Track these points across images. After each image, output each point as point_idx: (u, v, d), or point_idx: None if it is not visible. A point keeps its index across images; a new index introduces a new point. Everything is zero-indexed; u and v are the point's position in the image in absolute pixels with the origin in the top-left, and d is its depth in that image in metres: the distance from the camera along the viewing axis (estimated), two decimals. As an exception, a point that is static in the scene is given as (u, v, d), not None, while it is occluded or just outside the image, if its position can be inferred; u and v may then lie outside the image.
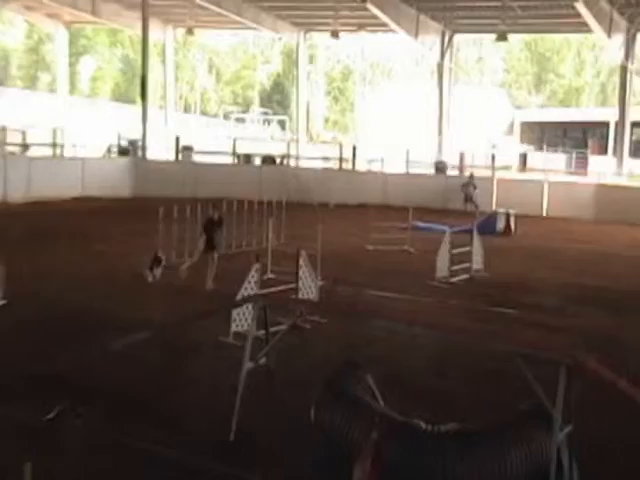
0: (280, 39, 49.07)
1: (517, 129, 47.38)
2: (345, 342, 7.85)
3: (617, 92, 34.60)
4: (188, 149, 27.63)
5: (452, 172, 27.11)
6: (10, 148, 25.85)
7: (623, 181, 28.55)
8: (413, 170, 26.45)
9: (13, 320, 8.41)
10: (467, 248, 12.43)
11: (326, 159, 29.47)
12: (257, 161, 28.43)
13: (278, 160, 28.56)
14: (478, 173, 24.44)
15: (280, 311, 7.05)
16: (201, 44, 57.82)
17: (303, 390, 5.83)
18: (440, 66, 34.77)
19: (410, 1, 30.87)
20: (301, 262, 9.12)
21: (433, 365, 7.45)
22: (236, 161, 27.45)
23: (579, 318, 9.80)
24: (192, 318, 7.72)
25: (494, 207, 21.58)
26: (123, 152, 27.34)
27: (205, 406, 6.14)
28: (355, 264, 13.13)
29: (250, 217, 13.71)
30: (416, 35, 32.11)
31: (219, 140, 34.12)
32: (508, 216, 18.93)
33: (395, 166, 27.03)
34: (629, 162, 32.47)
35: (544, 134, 46.71)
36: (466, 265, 12.35)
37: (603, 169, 29.91)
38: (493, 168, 25.70)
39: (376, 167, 27.86)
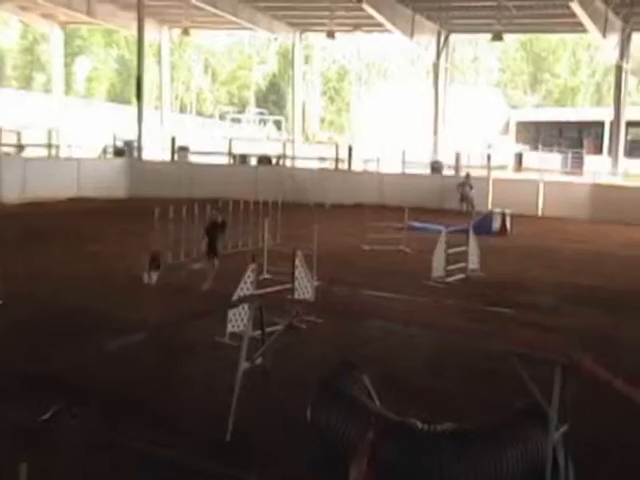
0: (276, 39, 49.06)
1: (513, 129, 47.51)
2: (341, 342, 7.85)
3: (612, 92, 34.69)
4: (184, 149, 27.63)
5: (448, 172, 27.14)
6: (5, 149, 25.78)
7: (618, 181, 28.64)
8: (409, 170, 26.48)
9: (8, 320, 8.39)
10: (463, 248, 12.45)
11: (322, 159, 29.49)
12: (253, 161, 28.43)
13: (274, 160, 28.57)
14: (474, 173, 24.50)
15: (276, 311, 7.04)
16: (197, 44, 57.82)
17: (299, 390, 5.83)
18: (436, 66, 34.83)
19: (406, 1, 30.90)
20: (297, 262, 9.12)
21: (429, 365, 7.45)
22: (232, 161, 27.45)
23: (574, 317, 9.82)
24: (188, 318, 7.72)
25: (490, 207, 21.62)
26: (119, 153, 27.32)
27: (201, 406, 6.14)
28: (351, 264, 13.13)
29: (246, 217, 13.71)
30: (412, 35, 32.15)
31: (215, 140, 34.10)
32: (504, 216, 18.96)
33: (391, 166, 27.06)
34: (624, 162, 32.58)
35: (539, 134, 46.83)
36: (462, 265, 12.36)
37: (598, 169, 29.99)
38: (489, 168, 25.74)
39: (372, 167, 27.88)
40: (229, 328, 7.93)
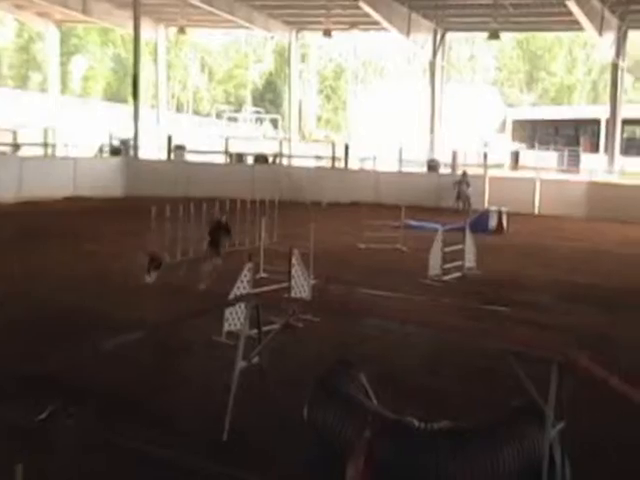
0: (272, 38, 49.05)
1: (509, 127, 47.54)
2: (338, 341, 7.86)
3: (608, 90, 34.74)
4: (180, 148, 27.59)
5: (444, 170, 27.14)
6: (1, 148, 25.77)
7: (614, 179, 28.66)
8: (405, 168, 26.47)
9: (4, 320, 8.37)
10: (459, 246, 12.45)
11: (318, 158, 29.46)
12: (249, 160, 28.40)
13: (270, 159, 28.54)
14: (470, 171, 24.49)
15: (273, 310, 7.05)
16: (193, 43, 57.74)
17: (296, 389, 5.83)
18: (432, 64, 34.82)
19: (402, -1, 30.92)
20: (294, 261, 9.11)
21: (426, 363, 7.46)
22: (228, 160, 27.43)
23: (571, 316, 9.83)
24: (184, 317, 7.71)
25: (486, 205, 21.62)
26: (115, 152, 27.27)
27: (198, 405, 6.13)
28: (348, 263, 13.13)
29: (242, 216, 13.68)
30: (408, 33, 32.14)
31: (211, 139, 34.08)
32: (500, 214, 18.97)
33: (387, 164, 27.06)
34: (620, 160, 32.60)
35: (536, 132, 46.89)
36: (458, 263, 12.37)
37: (595, 167, 30.03)
38: (485, 166, 25.75)
39: (368, 165, 27.87)
40: (226, 327, 7.93)
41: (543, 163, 32.80)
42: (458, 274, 12.26)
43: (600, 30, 29.63)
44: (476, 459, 4.63)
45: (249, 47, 60.98)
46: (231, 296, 7.90)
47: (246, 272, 8.27)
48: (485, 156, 26.68)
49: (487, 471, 4.61)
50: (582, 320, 9.54)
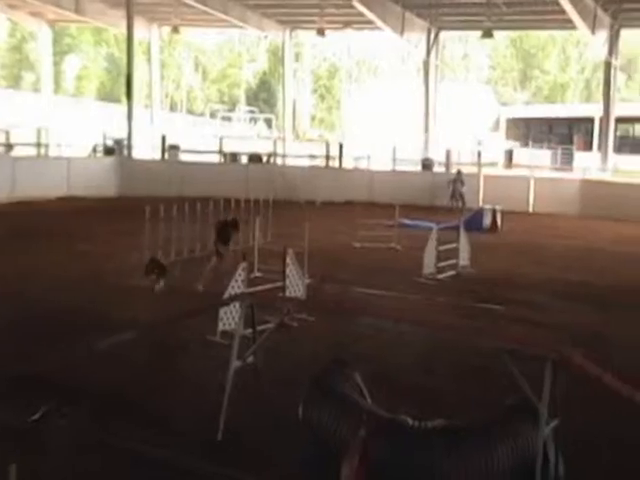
0: (266, 37, 48.95)
1: (503, 125, 47.62)
2: (332, 340, 7.85)
3: (601, 88, 34.82)
4: (174, 148, 27.52)
5: (439, 169, 27.17)
6: (-6, 148, 25.68)
7: (608, 177, 28.74)
8: (399, 167, 26.49)
9: (-2, 321, 8.35)
10: (454, 245, 12.47)
11: (313, 157, 29.46)
12: (244, 160, 28.35)
13: (265, 158, 28.51)
14: (464, 170, 24.53)
15: (267, 309, 7.04)
16: (187, 42, 57.66)
17: (291, 388, 5.83)
18: (426, 63, 34.84)
19: (396, -2, 30.93)
20: (288, 260, 9.11)
21: (420, 362, 7.47)
22: (223, 160, 27.38)
23: (565, 313, 9.86)
24: (179, 317, 7.69)
25: (480, 203, 21.66)
26: (109, 151, 27.18)
27: (192, 405, 6.13)
28: (342, 262, 13.13)
29: (237, 216, 13.65)
30: (402, 32, 32.15)
31: (205, 139, 34.04)
32: (494, 212, 19.00)
33: (381, 163, 27.06)
34: (613, 157, 32.69)
35: (530, 130, 46.97)
36: (453, 262, 12.39)
37: (588, 165, 30.09)
38: (479, 165, 25.80)
39: (362, 165, 27.88)
40: (220, 327, 7.92)
41: (537, 161, 32.87)
42: (452, 273, 12.28)
43: (593, 28, 29.69)
44: (470, 457, 4.64)
45: (243, 46, 60.93)
46: (226, 295, 7.90)
47: (240, 271, 8.26)
48: (479, 155, 26.72)
49: (481, 469, 4.62)
50: (576, 318, 9.57)
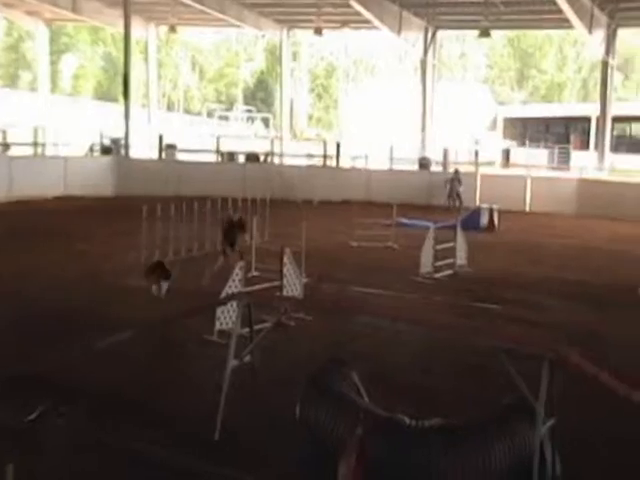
0: (263, 36, 48.96)
1: (500, 125, 47.70)
2: (330, 339, 7.86)
3: (598, 87, 34.84)
4: (171, 147, 27.50)
5: (436, 168, 27.20)
6: (-9, 147, 25.63)
7: (604, 176, 28.78)
8: (397, 166, 26.49)
9: (-5, 320, 8.34)
10: (451, 244, 12.48)
11: (310, 156, 29.47)
12: (241, 159, 28.34)
13: (262, 158, 28.50)
14: (461, 169, 24.55)
15: (264, 309, 7.04)
16: (184, 42, 57.61)
17: (288, 387, 5.83)
18: (423, 62, 34.85)
19: (393, -3, 30.94)
20: (285, 259, 9.11)
21: (417, 361, 7.47)
22: (220, 159, 27.36)
23: (561, 312, 9.87)
24: (176, 316, 7.69)
25: (478, 203, 21.68)
26: (106, 151, 27.16)
27: (189, 404, 6.13)
28: (339, 261, 13.14)
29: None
30: (399, 32, 32.15)
31: (203, 138, 34.00)
32: (491, 211, 19.01)
33: (379, 163, 27.07)
34: (610, 157, 32.74)
35: (527, 129, 47.07)
36: (450, 261, 12.40)
37: (585, 164, 30.14)
38: (476, 164, 25.83)
39: (360, 164, 27.88)
40: (217, 326, 7.92)
41: (534, 160, 32.91)
42: (449, 272, 12.29)
43: (590, 28, 29.73)
44: (467, 456, 4.65)
45: (240, 46, 60.88)
46: (223, 295, 7.90)
47: (238, 271, 8.26)
48: (476, 154, 26.77)
49: (478, 468, 4.63)
50: (572, 317, 9.59)
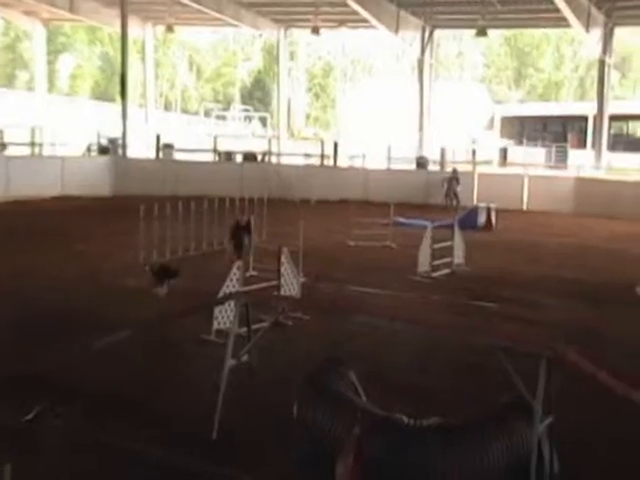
0: (260, 36, 48.93)
1: (497, 124, 47.67)
2: (327, 338, 7.86)
3: (595, 86, 34.88)
4: (169, 147, 27.50)
5: (433, 167, 27.21)
6: (-12, 147, 25.59)
7: (601, 174, 28.81)
8: (394, 166, 26.50)
9: (-8, 321, 8.33)
10: (448, 243, 12.50)
11: (307, 155, 29.45)
12: (238, 158, 28.33)
13: (259, 157, 28.50)
14: (459, 168, 24.56)
15: (262, 308, 7.04)
16: (181, 41, 57.53)
17: (285, 387, 5.83)
18: (420, 62, 34.86)
19: (390, -3, 30.95)
20: (283, 259, 9.11)
21: (415, 360, 7.48)
22: (217, 158, 27.34)
23: (559, 311, 9.89)
24: (174, 316, 7.69)
25: (475, 202, 21.69)
26: (103, 150, 27.13)
27: (187, 404, 6.13)
28: (337, 260, 13.14)
29: (231, 214, 13.66)
30: (396, 31, 32.17)
31: (200, 138, 33.97)
32: (489, 210, 19.02)
33: (376, 162, 27.08)
34: (607, 155, 32.78)
35: (524, 128, 47.04)
36: (447, 260, 12.41)
37: (582, 162, 30.17)
38: (474, 163, 25.83)
39: (357, 163, 27.89)
40: (215, 325, 7.92)
41: (531, 159, 32.93)
42: (447, 271, 12.30)
43: (587, 27, 29.76)
44: (465, 455, 4.64)
45: (237, 45, 60.84)
46: (220, 294, 7.90)
47: (235, 270, 8.26)
48: (474, 153, 26.76)
49: (476, 467, 4.63)
50: (570, 315, 9.60)
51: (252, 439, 5.51)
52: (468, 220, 16.93)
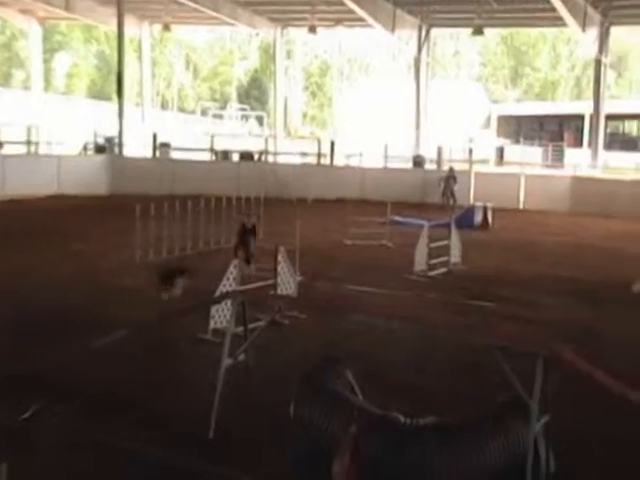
0: (257, 35, 48.85)
1: (494, 123, 47.72)
2: (324, 337, 7.86)
3: (592, 85, 34.92)
4: (165, 146, 27.44)
5: (430, 166, 27.21)
6: (-16, 146, 25.51)
7: (598, 173, 28.86)
8: (391, 165, 26.51)
9: (-11, 320, 8.31)
10: (445, 242, 12.50)
11: (304, 154, 29.43)
12: (235, 157, 28.31)
13: (256, 156, 28.46)
14: (455, 167, 24.57)
15: (259, 307, 7.05)
16: (178, 40, 57.46)
17: (282, 386, 5.83)
18: (417, 60, 34.84)
19: (386, -4, 30.94)
20: (279, 258, 9.11)
21: (412, 359, 7.48)
22: (214, 157, 27.32)
23: (555, 310, 9.90)
24: (171, 315, 7.68)
25: (472, 201, 21.70)
26: (99, 149, 27.08)
27: (184, 403, 6.12)
28: (334, 259, 13.14)
29: (228, 213, 13.66)
30: (393, 30, 32.15)
31: (197, 136, 33.96)
32: (485, 210, 19.04)
33: (373, 161, 27.08)
34: (604, 154, 32.83)
35: (521, 127, 47.13)
36: (444, 259, 12.42)
37: (578, 161, 30.22)
38: (470, 162, 25.84)
39: (354, 162, 27.88)
40: (212, 324, 7.92)
41: (528, 158, 32.97)
42: (444, 270, 12.30)
43: (583, 26, 29.78)
44: (462, 454, 4.65)
45: (234, 44, 60.79)
46: (217, 293, 7.89)
47: (232, 269, 8.26)
48: (470, 152, 26.76)
49: (473, 466, 4.64)
50: (566, 314, 9.61)
51: (249, 438, 5.51)
52: (465, 219, 16.94)
